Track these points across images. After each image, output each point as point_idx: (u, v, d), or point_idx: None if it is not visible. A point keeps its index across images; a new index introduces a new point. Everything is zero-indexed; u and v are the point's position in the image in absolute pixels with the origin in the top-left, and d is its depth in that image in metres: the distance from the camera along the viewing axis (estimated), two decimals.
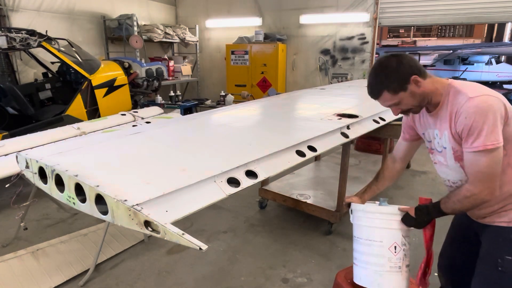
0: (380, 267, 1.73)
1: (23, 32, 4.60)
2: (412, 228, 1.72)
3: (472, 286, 1.66)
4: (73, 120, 4.66)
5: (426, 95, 1.54)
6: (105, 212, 1.37)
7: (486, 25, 21.30)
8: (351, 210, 1.90)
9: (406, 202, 3.96)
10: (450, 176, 1.66)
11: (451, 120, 1.49)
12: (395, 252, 1.72)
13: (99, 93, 5.26)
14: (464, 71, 15.50)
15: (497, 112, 1.37)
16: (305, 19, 8.05)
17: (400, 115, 1.71)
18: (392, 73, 1.50)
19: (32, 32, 4.68)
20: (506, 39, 19.99)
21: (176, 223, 1.28)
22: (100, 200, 1.39)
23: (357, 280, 1.83)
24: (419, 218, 1.65)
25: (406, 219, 1.69)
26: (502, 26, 19.86)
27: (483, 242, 1.64)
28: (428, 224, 1.68)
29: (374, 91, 1.57)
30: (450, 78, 1.59)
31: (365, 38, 7.56)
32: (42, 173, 1.70)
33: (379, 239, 1.74)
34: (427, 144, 1.75)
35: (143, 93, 6.37)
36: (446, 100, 1.52)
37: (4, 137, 3.94)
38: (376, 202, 1.94)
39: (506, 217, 1.53)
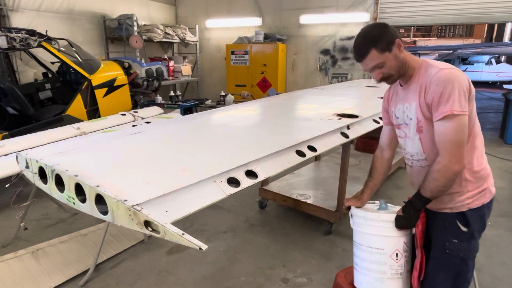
0: (381, 274, 1.73)
1: (23, 32, 4.60)
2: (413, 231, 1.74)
3: (427, 269, 1.74)
4: (73, 120, 4.66)
5: (405, 62, 1.66)
6: (105, 212, 1.37)
7: (486, 25, 21.30)
8: (351, 215, 1.89)
9: None
10: (409, 147, 1.75)
11: (421, 91, 1.59)
12: (397, 259, 1.72)
13: (99, 93, 5.26)
14: (464, 71, 15.45)
15: (463, 84, 1.50)
16: (305, 19, 8.05)
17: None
18: (380, 34, 1.60)
19: (32, 32, 4.68)
20: (506, 39, 19.98)
21: (176, 223, 1.28)
22: (100, 200, 1.39)
23: (358, 285, 1.84)
24: (406, 213, 1.69)
25: (397, 221, 1.70)
26: (502, 26, 19.85)
27: (433, 228, 1.74)
28: (419, 221, 1.70)
29: (363, 50, 1.63)
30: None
31: None
32: (42, 173, 1.70)
33: (380, 247, 1.73)
34: (395, 121, 1.84)
35: (143, 93, 6.37)
36: (418, 74, 1.64)
37: (4, 137, 3.94)
38: (375, 202, 1.93)
39: (450, 203, 1.65)
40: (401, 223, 1.70)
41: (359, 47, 1.65)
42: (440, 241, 1.69)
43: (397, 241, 1.72)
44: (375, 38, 1.60)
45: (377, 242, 1.74)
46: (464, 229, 1.64)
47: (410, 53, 1.68)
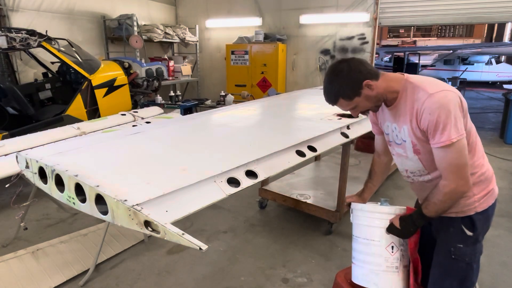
0: (376, 266, 1.74)
1: (23, 32, 4.60)
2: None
3: (431, 275, 1.73)
4: (73, 120, 4.66)
5: (381, 95, 1.59)
6: (105, 212, 1.37)
7: (486, 25, 21.32)
8: (351, 210, 1.91)
9: (406, 202, 3.93)
10: (408, 166, 1.71)
11: (412, 116, 1.52)
12: (392, 251, 1.72)
13: (99, 93, 5.26)
14: (464, 71, 15.51)
15: (456, 106, 1.44)
16: (305, 19, 8.05)
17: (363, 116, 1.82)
18: (344, 81, 1.54)
19: (32, 32, 4.68)
20: (506, 39, 20.01)
21: (176, 223, 1.28)
22: (100, 200, 1.39)
23: (355, 279, 1.84)
24: (405, 229, 1.65)
25: (391, 229, 1.69)
26: (502, 26, 19.88)
27: (436, 233, 1.71)
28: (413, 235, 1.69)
29: (331, 98, 1.62)
30: (405, 73, 1.64)
31: (365, 38, 7.56)
32: (42, 173, 1.70)
33: (377, 239, 1.74)
34: (386, 137, 1.80)
35: (143, 93, 6.37)
36: (404, 96, 1.56)
37: (4, 137, 3.94)
38: (377, 202, 1.94)
39: (455, 208, 1.59)
40: (394, 232, 1.69)
41: (327, 95, 1.63)
42: (445, 247, 1.66)
43: None
44: (339, 90, 1.55)
45: (373, 234, 1.75)
46: (469, 233, 1.60)
47: (387, 76, 1.59)
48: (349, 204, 1.95)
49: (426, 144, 1.53)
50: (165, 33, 8.17)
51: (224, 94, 7.00)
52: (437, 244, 1.71)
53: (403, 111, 1.57)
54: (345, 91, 1.55)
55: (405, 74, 1.61)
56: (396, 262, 1.73)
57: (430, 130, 1.47)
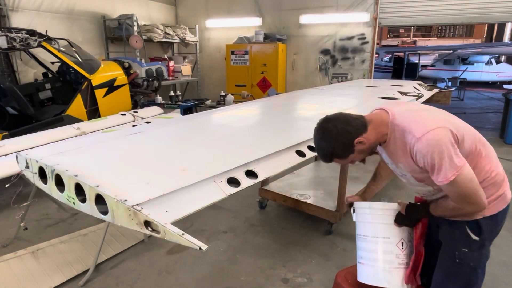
0: (389, 264, 1.73)
1: (23, 32, 4.60)
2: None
3: (434, 277, 1.73)
4: (73, 120, 4.66)
5: (373, 144, 1.59)
6: (105, 212, 1.37)
7: (486, 25, 21.34)
8: (353, 209, 1.90)
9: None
10: (418, 190, 1.73)
11: (407, 156, 1.52)
12: (403, 248, 1.73)
13: (99, 93, 5.26)
14: (464, 71, 15.52)
15: (448, 142, 1.41)
16: (305, 19, 8.05)
17: None
18: (335, 143, 1.55)
19: (32, 32, 4.68)
20: (506, 39, 20.02)
21: (176, 223, 1.28)
22: (100, 200, 1.39)
23: (364, 279, 1.82)
24: (410, 216, 1.69)
25: (398, 218, 1.72)
26: (502, 26, 19.89)
27: (441, 236, 1.71)
28: (419, 223, 1.71)
29: (326, 159, 1.63)
30: (389, 109, 1.60)
31: (365, 38, 7.56)
32: (42, 173, 1.70)
33: (386, 236, 1.74)
34: (388, 165, 1.79)
35: (143, 93, 6.37)
36: (393, 138, 1.56)
37: (4, 137, 3.94)
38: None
39: None
40: (402, 221, 1.72)
41: (321, 155, 1.64)
42: (449, 250, 1.65)
43: (402, 229, 1.75)
44: (332, 152, 1.58)
45: (383, 231, 1.75)
46: (475, 238, 1.58)
47: (375, 121, 1.57)
48: (350, 204, 1.94)
49: (428, 174, 1.52)
50: (165, 33, 8.18)
51: (224, 94, 7.01)
52: (442, 246, 1.70)
53: (395, 151, 1.58)
54: (338, 152, 1.57)
55: (390, 113, 1.57)
56: (406, 258, 1.74)
57: (427, 169, 1.47)
